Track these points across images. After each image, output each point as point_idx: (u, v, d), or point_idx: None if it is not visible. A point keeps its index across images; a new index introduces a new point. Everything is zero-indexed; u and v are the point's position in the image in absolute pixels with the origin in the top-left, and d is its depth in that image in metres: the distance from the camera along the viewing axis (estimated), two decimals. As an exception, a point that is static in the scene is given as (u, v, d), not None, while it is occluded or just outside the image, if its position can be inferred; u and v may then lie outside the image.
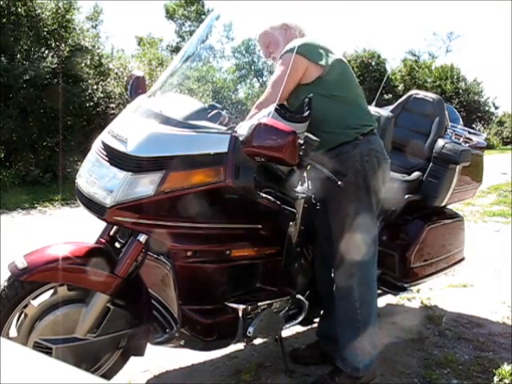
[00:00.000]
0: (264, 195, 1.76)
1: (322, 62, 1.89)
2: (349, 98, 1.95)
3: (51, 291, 1.63)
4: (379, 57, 24.21)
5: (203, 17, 27.08)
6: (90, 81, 8.67)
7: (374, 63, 23.80)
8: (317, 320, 2.24)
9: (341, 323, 1.97)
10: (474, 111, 24.96)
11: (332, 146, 1.90)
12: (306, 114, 1.78)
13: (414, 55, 31.02)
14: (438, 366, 2.25)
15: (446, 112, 2.72)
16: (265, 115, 1.63)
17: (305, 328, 2.36)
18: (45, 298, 1.62)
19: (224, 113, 1.92)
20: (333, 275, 1.98)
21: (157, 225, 1.61)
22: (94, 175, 1.64)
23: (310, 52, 1.89)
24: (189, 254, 1.66)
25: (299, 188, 2.00)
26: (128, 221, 1.58)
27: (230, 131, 1.65)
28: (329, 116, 1.89)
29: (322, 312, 2.21)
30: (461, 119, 3.06)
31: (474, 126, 21.94)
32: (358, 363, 1.93)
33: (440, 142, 2.49)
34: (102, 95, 8.66)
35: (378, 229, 2.09)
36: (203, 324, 1.73)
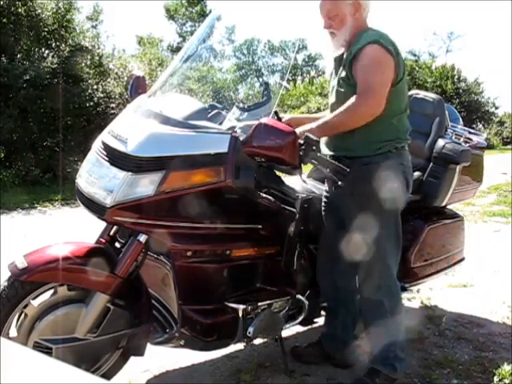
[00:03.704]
0: (264, 195, 1.76)
1: (400, 66, 1.88)
2: (400, 111, 1.95)
3: (51, 291, 1.63)
4: (379, 57, 24.14)
5: (205, 17, 27.08)
6: (90, 81, 8.67)
7: (374, 63, 23.74)
8: (317, 320, 2.24)
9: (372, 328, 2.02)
10: (474, 111, 24.89)
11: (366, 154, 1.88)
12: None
13: (414, 55, 31.07)
14: (438, 366, 2.24)
15: (447, 112, 2.71)
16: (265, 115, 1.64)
17: (305, 328, 2.36)
18: (45, 298, 1.62)
19: (224, 113, 1.92)
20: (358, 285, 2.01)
21: (157, 225, 1.61)
22: (94, 175, 1.64)
23: (395, 52, 1.84)
24: (189, 254, 1.66)
25: (299, 188, 2.00)
26: (128, 221, 1.58)
27: (230, 131, 1.65)
28: (375, 127, 1.83)
29: (326, 312, 2.21)
30: (461, 119, 3.05)
31: (474, 125, 21.93)
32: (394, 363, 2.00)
33: (440, 142, 2.49)
34: (102, 95, 8.65)
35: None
36: (203, 324, 1.73)
